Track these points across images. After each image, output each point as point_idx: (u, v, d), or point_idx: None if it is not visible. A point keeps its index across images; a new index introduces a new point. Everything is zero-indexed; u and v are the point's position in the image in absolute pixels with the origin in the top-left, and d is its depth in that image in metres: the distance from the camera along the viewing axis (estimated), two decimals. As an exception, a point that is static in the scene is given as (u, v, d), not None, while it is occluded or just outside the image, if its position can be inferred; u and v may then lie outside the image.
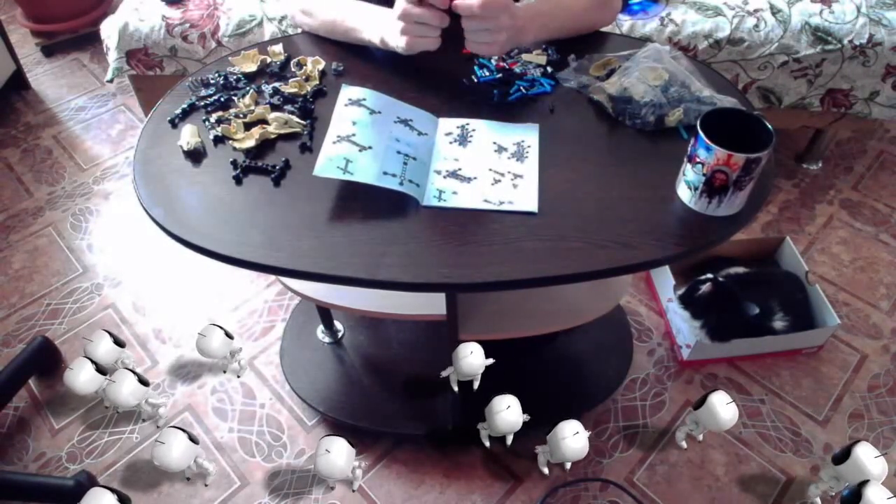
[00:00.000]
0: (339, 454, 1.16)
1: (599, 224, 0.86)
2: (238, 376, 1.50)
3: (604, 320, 1.25)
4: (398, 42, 0.98)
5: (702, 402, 1.25)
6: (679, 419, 1.40)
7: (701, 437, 1.36)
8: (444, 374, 1.24)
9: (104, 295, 1.69)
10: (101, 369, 1.34)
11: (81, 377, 1.31)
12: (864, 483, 1.09)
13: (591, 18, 1.13)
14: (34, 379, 1.52)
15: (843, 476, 1.17)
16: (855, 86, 1.67)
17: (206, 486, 1.30)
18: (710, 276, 1.45)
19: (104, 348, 1.39)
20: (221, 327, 1.38)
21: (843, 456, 1.16)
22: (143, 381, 1.32)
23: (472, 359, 1.16)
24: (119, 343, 1.42)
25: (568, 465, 1.32)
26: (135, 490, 1.33)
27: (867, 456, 1.13)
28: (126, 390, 1.29)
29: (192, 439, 1.21)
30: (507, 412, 1.18)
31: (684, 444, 1.36)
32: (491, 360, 1.19)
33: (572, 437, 1.18)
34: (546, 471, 1.32)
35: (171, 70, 1.70)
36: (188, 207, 0.90)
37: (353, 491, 1.31)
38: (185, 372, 1.52)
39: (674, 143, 0.96)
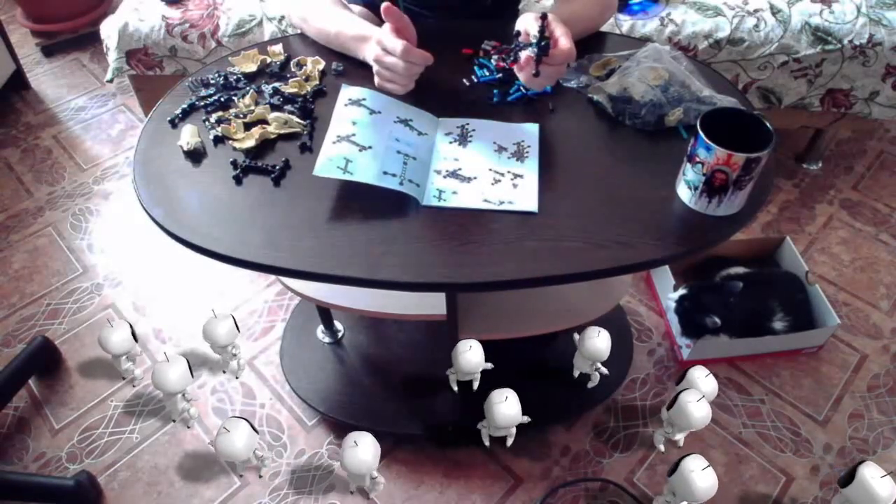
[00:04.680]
0: (365, 449, 1.16)
1: (599, 224, 0.86)
2: (237, 377, 1.50)
3: (604, 320, 1.26)
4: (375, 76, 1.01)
5: (673, 402, 1.22)
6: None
7: (681, 443, 1.34)
8: (448, 372, 1.24)
9: (104, 295, 1.69)
10: (134, 334, 1.40)
11: (114, 336, 1.36)
12: (860, 463, 1.09)
13: (598, 22, 1.15)
14: (34, 379, 1.52)
15: (851, 500, 1.13)
16: (855, 86, 1.67)
17: (259, 476, 1.33)
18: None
19: (119, 336, 1.38)
20: (231, 316, 1.37)
21: (848, 478, 1.12)
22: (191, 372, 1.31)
23: (470, 355, 1.16)
24: (135, 337, 1.41)
25: (681, 441, 1.34)
26: (135, 490, 1.33)
27: (873, 477, 1.09)
28: (174, 375, 1.27)
29: (254, 428, 1.21)
30: (505, 404, 1.18)
31: (662, 448, 1.35)
32: (490, 365, 1.19)
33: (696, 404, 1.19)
34: (662, 448, 1.35)
35: (171, 70, 1.70)
36: (188, 207, 0.90)
37: (352, 492, 1.31)
38: (185, 372, 1.52)
39: (674, 142, 0.96)
